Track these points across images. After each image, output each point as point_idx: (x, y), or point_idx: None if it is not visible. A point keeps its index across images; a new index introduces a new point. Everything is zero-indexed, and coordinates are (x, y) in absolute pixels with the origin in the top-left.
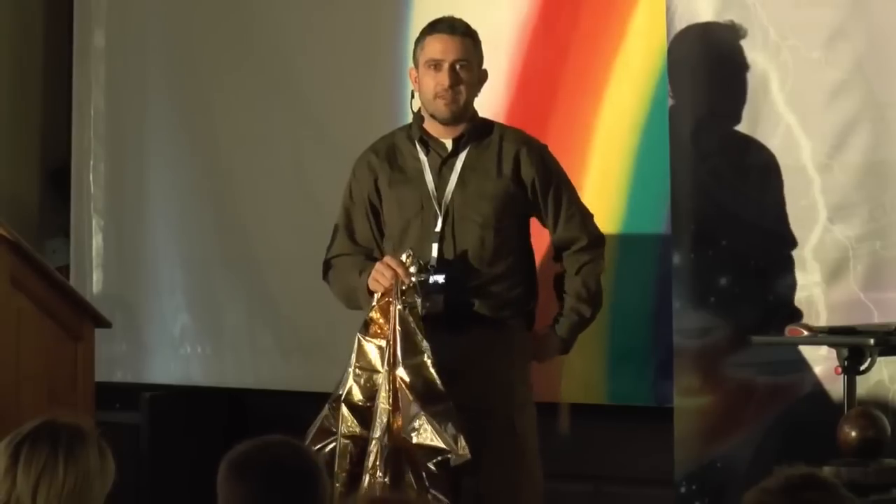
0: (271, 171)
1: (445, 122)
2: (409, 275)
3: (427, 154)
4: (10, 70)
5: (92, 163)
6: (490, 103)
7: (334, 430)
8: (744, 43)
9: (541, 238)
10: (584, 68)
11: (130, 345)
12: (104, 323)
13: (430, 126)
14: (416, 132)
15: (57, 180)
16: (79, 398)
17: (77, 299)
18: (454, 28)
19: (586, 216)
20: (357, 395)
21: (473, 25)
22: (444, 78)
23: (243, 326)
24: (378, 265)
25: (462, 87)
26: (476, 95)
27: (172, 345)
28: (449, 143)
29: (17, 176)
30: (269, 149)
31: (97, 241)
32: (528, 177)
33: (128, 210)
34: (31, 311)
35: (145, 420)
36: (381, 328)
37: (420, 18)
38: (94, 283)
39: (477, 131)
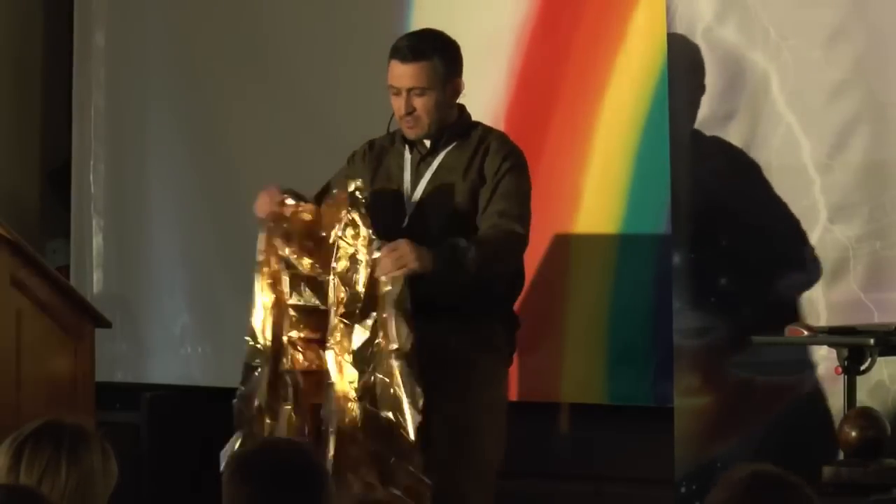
0: (271, 170)
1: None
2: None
3: (411, 152)
4: (9, 70)
5: (92, 163)
6: (490, 103)
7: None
8: (744, 43)
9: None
10: (584, 68)
11: (131, 345)
12: (104, 323)
13: None
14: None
15: (56, 180)
16: (79, 398)
17: (77, 299)
18: (405, 56)
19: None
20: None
21: (473, 26)
22: (401, 105)
23: (243, 326)
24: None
25: (419, 113)
26: (449, 107)
27: (173, 345)
28: (429, 142)
29: (17, 176)
30: (269, 148)
31: (97, 241)
32: (489, 169)
33: (128, 210)
34: (31, 312)
35: (145, 420)
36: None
37: (421, 20)
38: (95, 283)
39: (458, 130)
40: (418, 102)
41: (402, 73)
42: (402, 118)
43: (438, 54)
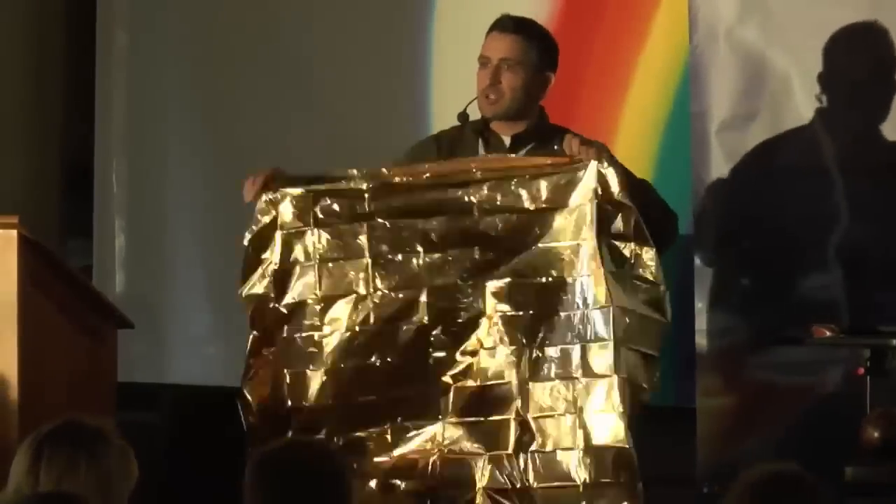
0: (292, 170)
1: (491, 120)
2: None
3: (486, 148)
4: (32, 69)
5: (115, 163)
6: None
7: None
8: (766, 43)
9: None
10: (606, 69)
11: (152, 345)
12: (127, 324)
13: (496, 123)
14: (479, 124)
15: (78, 180)
16: (100, 399)
17: (100, 300)
18: (506, 26)
19: None
20: None
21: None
22: (486, 76)
23: None
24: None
25: (503, 87)
26: (533, 98)
27: (194, 345)
28: (508, 140)
29: (38, 176)
30: (290, 148)
31: (120, 241)
32: None
33: (150, 210)
34: (53, 313)
35: (166, 420)
36: None
37: (443, 17)
38: (117, 283)
39: (541, 131)
40: (506, 76)
41: (498, 44)
42: (485, 90)
43: (539, 39)
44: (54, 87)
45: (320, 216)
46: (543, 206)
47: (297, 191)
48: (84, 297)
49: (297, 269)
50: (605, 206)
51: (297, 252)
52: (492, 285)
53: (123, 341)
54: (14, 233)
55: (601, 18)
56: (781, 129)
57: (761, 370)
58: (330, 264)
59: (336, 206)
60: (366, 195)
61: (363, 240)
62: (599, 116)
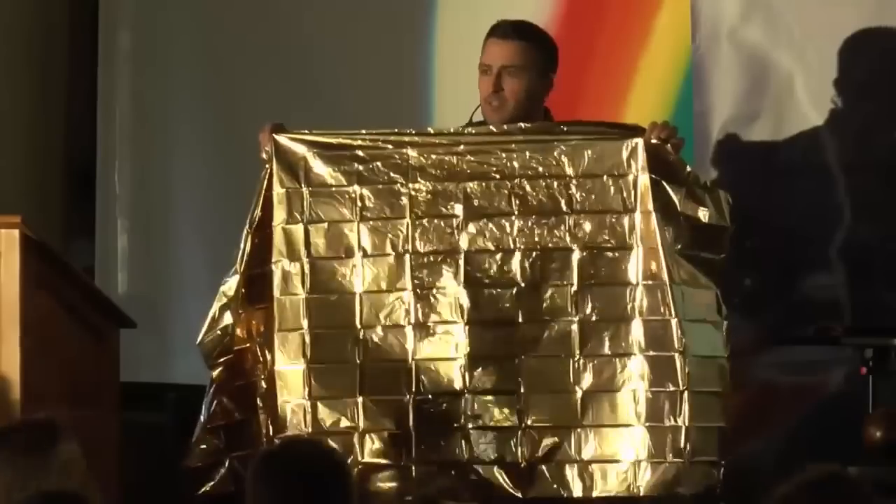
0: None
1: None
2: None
3: None
4: (34, 70)
5: (117, 163)
6: None
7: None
8: (769, 43)
9: None
10: (608, 69)
11: (155, 345)
12: (129, 323)
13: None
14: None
15: (81, 181)
16: (104, 399)
17: (102, 300)
18: (506, 32)
19: None
20: None
21: None
22: (489, 84)
23: None
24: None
25: (506, 94)
26: (537, 101)
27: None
28: None
29: (41, 177)
30: None
31: (122, 241)
32: None
33: (153, 211)
34: (56, 312)
35: (170, 420)
36: None
37: (445, 19)
38: (120, 283)
39: None
40: (508, 83)
41: (498, 51)
42: (488, 97)
43: (538, 41)
44: (57, 89)
45: (364, 174)
46: (586, 173)
47: (337, 143)
48: (86, 296)
49: (337, 225)
50: (653, 176)
51: (339, 210)
52: (526, 252)
53: (127, 341)
54: (17, 232)
55: (603, 19)
56: (784, 129)
57: (765, 370)
58: (370, 223)
59: (379, 165)
60: (408, 156)
61: (404, 200)
62: (602, 116)
